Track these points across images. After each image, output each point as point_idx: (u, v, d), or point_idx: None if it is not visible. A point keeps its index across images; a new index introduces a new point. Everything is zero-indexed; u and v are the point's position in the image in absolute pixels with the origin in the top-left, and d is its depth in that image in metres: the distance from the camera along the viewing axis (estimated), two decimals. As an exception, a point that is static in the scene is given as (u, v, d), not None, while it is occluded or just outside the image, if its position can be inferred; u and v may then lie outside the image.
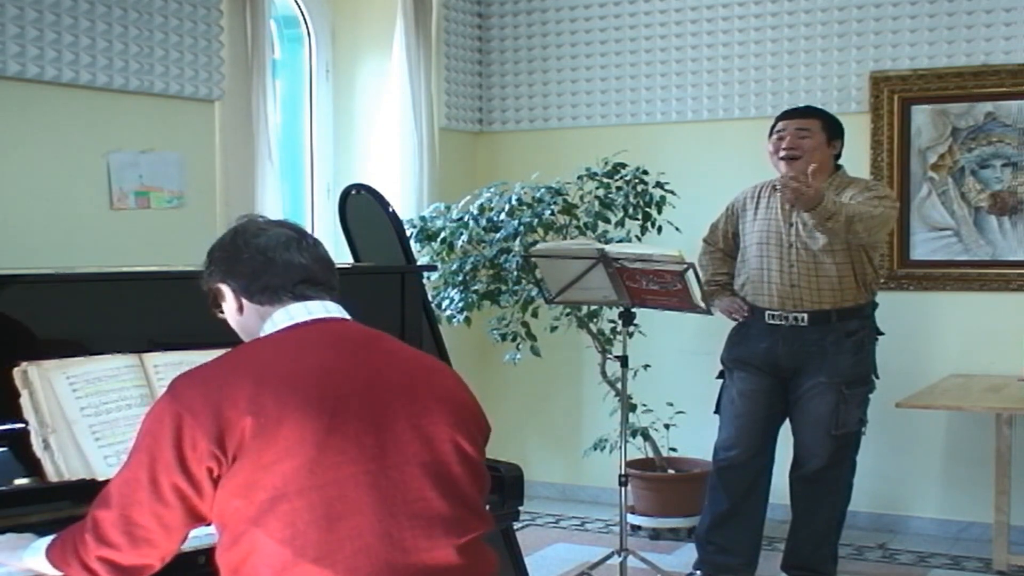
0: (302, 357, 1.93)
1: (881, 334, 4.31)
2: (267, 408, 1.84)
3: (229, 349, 2.05)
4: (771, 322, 4.19)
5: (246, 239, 2.07)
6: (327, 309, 2.05)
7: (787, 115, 4.29)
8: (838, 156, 4.26)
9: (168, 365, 2.70)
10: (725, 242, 4.43)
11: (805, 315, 4.13)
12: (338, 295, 2.10)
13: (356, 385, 1.93)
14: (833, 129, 4.23)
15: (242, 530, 1.85)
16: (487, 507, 2.11)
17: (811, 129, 4.17)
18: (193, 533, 2.20)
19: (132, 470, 1.88)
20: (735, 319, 4.33)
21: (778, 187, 4.04)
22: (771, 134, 4.25)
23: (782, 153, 4.17)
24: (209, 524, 1.92)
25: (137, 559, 1.89)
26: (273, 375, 1.88)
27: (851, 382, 4.13)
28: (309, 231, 2.15)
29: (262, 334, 2.03)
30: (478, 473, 2.04)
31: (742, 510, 4.30)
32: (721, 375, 4.40)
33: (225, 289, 2.08)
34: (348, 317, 2.08)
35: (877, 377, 4.28)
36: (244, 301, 2.06)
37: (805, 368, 4.15)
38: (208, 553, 2.02)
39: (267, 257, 2.04)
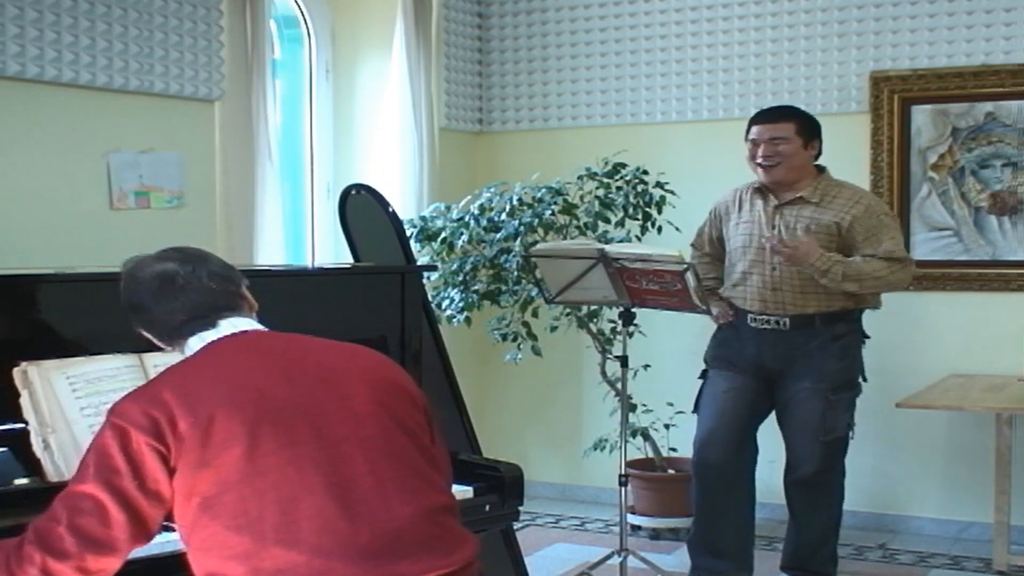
0: (223, 364, 2.03)
1: (867, 337, 4.25)
2: (196, 409, 1.91)
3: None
4: (753, 325, 4.16)
5: (128, 293, 2.17)
6: (235, 325, 2.12)
7: (760, 118, 4.19)
8: (818, 155, 4.18)
9: (168, 365, 2.69)
10: (711, 246, 4.38)
11: (787, 319, 4.09)
12: (243, 307, 2.17)
13: (279, 379, 2.00)
14: (810, 130, 4.13)
15: (201, 529, 1.90)
16: (447, 484, 2.16)
17: (786, 136, 4.08)
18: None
19: (82, 485, 1.91)
20: (720, 323, 4.31)
21: (768, 247, 4.00)
22: (746, 136, 4.18)
23: (759, 160, 4.11)
24: (151, 537, 1.96)
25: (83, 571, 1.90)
26: (198, 381, 1.97)
27: (837, 387, 4.09)
28: (197, 252, 2.20)
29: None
30: (424, 445, 2.10)
31: (726, 510, 4.25)
32: (703, 375, 4.37)
33: (146, 334, 2.21)
34: (259, 327, 2.16)
35: (865, 380, 4.23)
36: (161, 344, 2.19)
37: (790, 371, 4.11)
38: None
39: (147, 311, 2.15)
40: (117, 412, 1.94)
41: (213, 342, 2.09)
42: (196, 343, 2.11)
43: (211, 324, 2.11)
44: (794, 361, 4.10)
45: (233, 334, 2.11)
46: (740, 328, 4.21)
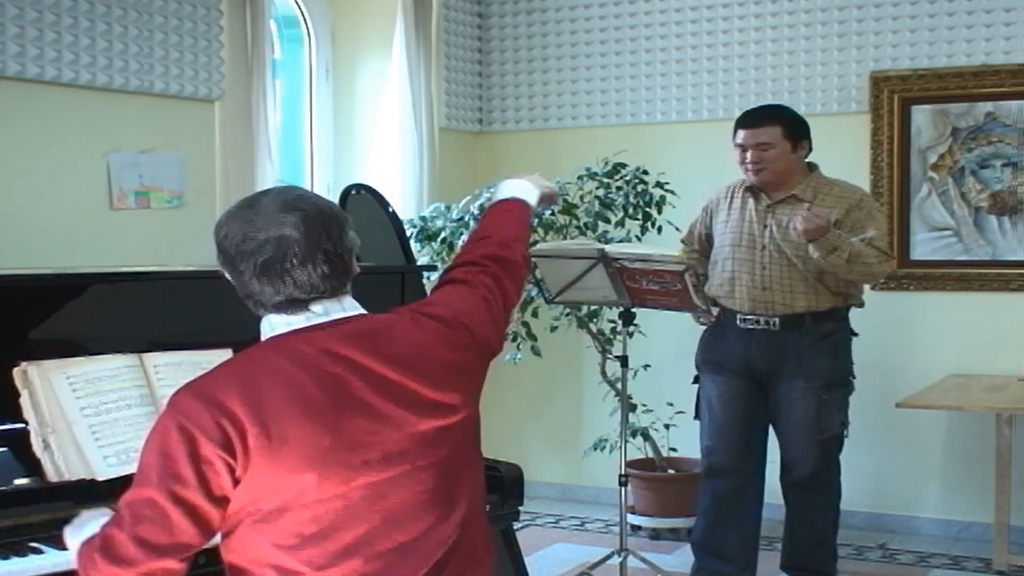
0: (299, 368, 1.87)
1: (855, 335, 4.23)
2: (268, 426, 1.81)
3: (226, 351, 2.02)
4: (743, 325, 4.14)
5: (231, 240, 1.93)
6: (327, 311, 1.95)
7: (745, 122, 4.11)
8: (808, 153, 4.13)
9: (168, 365, 2.70)
10: (700, 243, 4.36)
11: (777, 319, 4.07)
12: (346, 284, 1.98)
13: (355, 395, 1.88)
14: (797, 132, 4.07)
15: (247, 536, 1.85)
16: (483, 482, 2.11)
17: (771, 142, 4.02)
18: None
19: (145, 490, 1.81)
20: (702, 323, 4.30)
21: (791, 227, 3.90)
22: (733, 138, 4.13)
23: (747, 166, 4.07)
24: (215, 535, 1.87)
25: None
26: (271, 390, 1.83)
27: (830, 385, 4.07)
28: (324, 214, 1.95)
29: (261, 334, 1.98)
30: (476, 456, 2.07)
31: (734, 516, 4.24)
32: (696, 379, 4.35)
33: (227, 276, 2.01)
34: (350, 313, 1.97)
35: (854, 377, 4.22)
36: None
37: (781, 371, 4.09)
38: (208, 553, 2.01)
39: (240, 273, 1.93)
40: (184, 413, 1.81)
41: (294, 332, 1.91)
42: (279, 322, 1.93)
43: (303, 308, 1.93)
44: (785, 361, 4.09)
45: (317, 325, 1.92)
46: (728, 328, 4.20)
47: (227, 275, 1.97)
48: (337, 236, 1.94)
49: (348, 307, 1.98)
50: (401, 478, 1.89)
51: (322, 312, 1.94)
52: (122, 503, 1.84)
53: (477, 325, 2.09)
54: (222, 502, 1.82)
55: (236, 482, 1.81)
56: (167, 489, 1.79)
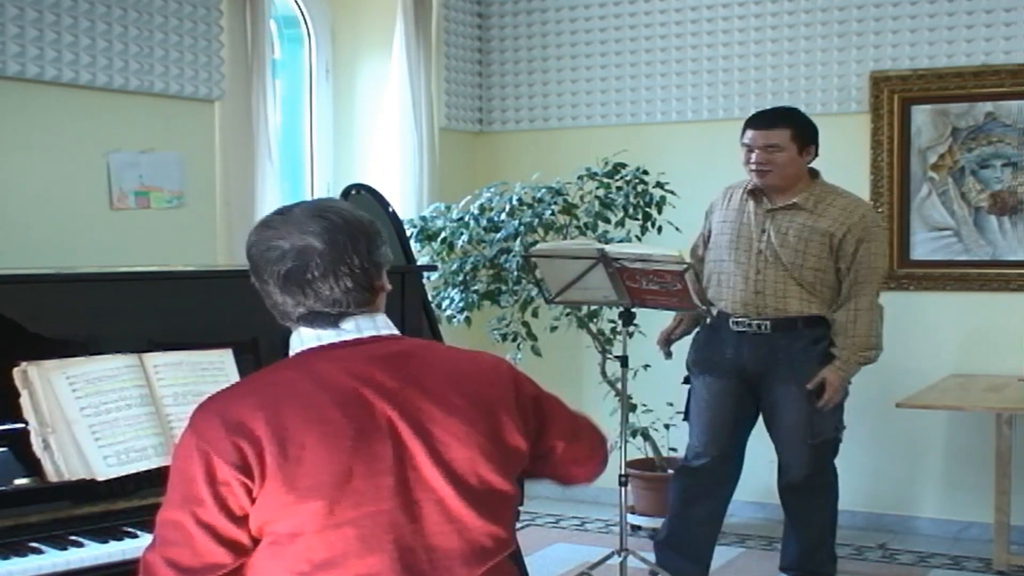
0: (320, 389, 1.83)
1: None
2: (286, 446, 1.78)
3: (226, 351, 2.00)
4: (735, 328, 4.14)
5: (257, 253, 1.91)
6: (359, 328, 1.91)
7: (755, 123, 4.09)
8: (813, 158, 4.11)
9: (168, 365, 2.70)
10: (705, 249, 4.35)
11: (768, 322, 4.07)
12: (376, 301, 1.94)
13: (377, 419, 1.83)
14: (805, 136, 4.05)
15: (264, 558, 1.83)
16: (512, 522, 2.01)
17: (780, 144, 4.01)
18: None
19: (170, 511, 1.81)
20: (658, 342, 4.38)
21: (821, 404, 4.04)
22: (741, 137, 4.12)
23: (752, 167, 4.06)
24: (250, 552, 1.84)
25: None
26: (291, 410, 1.80)
27: (823, 391, 4.06)
28: (351, 225, 1.91)
29: (291, 348, 1.94)
30: (503, 497, 1.95)
31: (705, 516, 4.26)
32: (687, 380, 4.34)
33: (255, 285, 1.97)
34: (381, 333, 1.93)
35: (849, 382, 4.21)
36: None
37: (773, 374, 4.08)
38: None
39: (264, 283, 1.91)
40: (201, 433, 1.79)
41: (321, 348, 1.89)
42: (309, 336, 1.90)
43: (332, 324, 1.89)
44: (777, 363, 4.08)
45: (346, 343, 1.89)
46: (721, 330, 4.20)
47: (255, 284, 1.94)
48: (364, 249, 1.91)
49: (381, 325, 1.94)
50: (418, 507, 1.84)
51: (354, 329, 1.91)
52: (156, 522, 1.83)
53: (522, 393, 2.01)
54: (245, 520, 1.79)
55: (253, 501, 1.79)
56: (190, 512, 1.78)
